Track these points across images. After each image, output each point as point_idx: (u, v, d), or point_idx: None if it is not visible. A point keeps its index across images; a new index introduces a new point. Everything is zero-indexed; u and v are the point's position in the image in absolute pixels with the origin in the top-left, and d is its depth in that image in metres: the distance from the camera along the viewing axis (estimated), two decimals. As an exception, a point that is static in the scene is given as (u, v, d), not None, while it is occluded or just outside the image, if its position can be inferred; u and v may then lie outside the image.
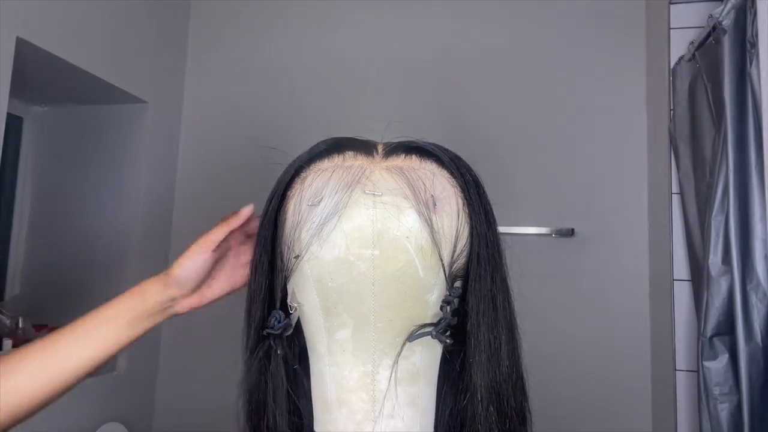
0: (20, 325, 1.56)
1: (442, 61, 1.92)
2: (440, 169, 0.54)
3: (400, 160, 0.54)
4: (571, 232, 1.74)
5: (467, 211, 0.53)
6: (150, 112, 1.93)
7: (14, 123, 1.92)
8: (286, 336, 0.54)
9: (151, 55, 1.94)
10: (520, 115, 1.84)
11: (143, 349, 1.92)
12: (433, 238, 0.50)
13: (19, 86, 1.59)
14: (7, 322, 1.54)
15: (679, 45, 1.54)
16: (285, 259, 0.53)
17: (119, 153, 1.92)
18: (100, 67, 1.69)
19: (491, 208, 0.55)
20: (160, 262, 1.99)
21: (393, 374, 0.51)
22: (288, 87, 2.04)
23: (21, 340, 1.53)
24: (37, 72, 1.64)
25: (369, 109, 1.93)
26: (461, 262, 0.53)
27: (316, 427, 0.53)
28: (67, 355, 0.60)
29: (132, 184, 1.90)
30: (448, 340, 0.51)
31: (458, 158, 0.56)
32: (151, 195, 1.94)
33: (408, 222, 0.50)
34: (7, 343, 1.48)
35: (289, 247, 0.52)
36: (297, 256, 0.51)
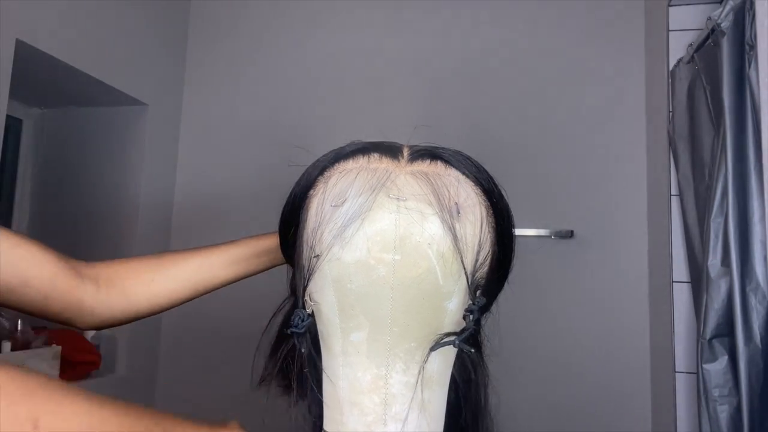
0: (19, 328, 1.55)
1: (438, 64, 1.93)
2: (465, 176, 0.54)
3: (426, 166, 0.53)
4: (570, 234, 1.74)
5: (490, 220, 0.53)
6: (149, 114, 1.93)
7: (14, 125, 1.92)
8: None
9: (150, 58, 1.94)
10: (519, 117, 1.85)
11: (143, 350, 1.92)
12: (455, 246, 0.50)
13: (19, 88, 1.59)
14: (6, 324, 1.54)
15: (678, 47, 1.54)
16: (305, 258, 0.53)
17: (119, 155, 1.92)
18: (100, 70, 1.69)
19: (512, 219, 0.56)
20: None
21: (407, 379, 0.51)
22: (287, 89, 2.04)
23: (20, 343, 1.53)
24: (36, 74, 1.64)
25: (367, 110, 1.93)
26: (483, 271, 0.53)
27: (326, 426, 0.53)
28: (213, 276, 0.69)
29: (131, 186, 1.90)
30: (471, 350, 0.51)
31: (482, 167, 0.56)
32: (151, 197, 1.93)
33: (431, 229, 0.49)
34: (6, 345, 1.47)
35: (309, 247, 0.52)
36: (317, 256, 0.51)
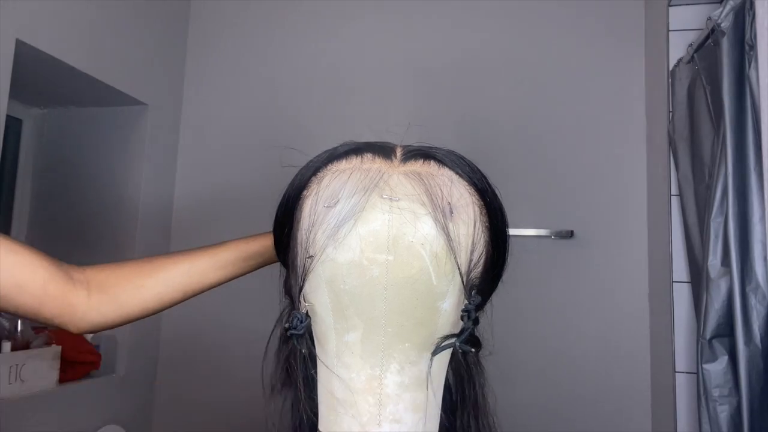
0: (19, 328, 1.56)
1: (434, 63, 1.92)
2: (458, 176, 0.54)
3: (419, 166, 0.53)
4: (570, 234, 1.73)
5: (484, 219, 0.53)
6: (149, 114, 1.93)
7: (14, 125, 1.92)
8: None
9: (150, 58, 1.94)
10: (519, 117, 1.84)
11: (142, 351, 1.92)
12: (449, 245, 0.50)
13: (19, 88, 1.59)
14: (6, 324, 1.54)
15: (678, 47, 1.54)
16: (299, 259, 0.53)
17: (118, 155, 1.92)
18: (100, 70, 1.69)
19: (506, 219, 0.56)
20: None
21: (402, 379, 0.51)
22: (288, 89, 2.04)
23: (20, 343, 1.53)
24: (36, 74, 1.64)
25: (368, 111, 1.93)
26: (477, 270, 0.53)
27: (321, 426, 0.53)
28: (202, 280, 0.71)
29: (131, 186, 1.90)
30: (471, 350, 0.51)
31: (476, 167, 0.56)
32: (151, 197, 1.94)
33: (424, 229, 0.49)
34: (6, 345, 1.48)
35: (303, 248, 0.53)
36: (311, 257, 0.51)
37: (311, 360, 0.54)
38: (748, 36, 1.10)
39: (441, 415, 0.54)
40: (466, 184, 0.54)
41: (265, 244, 0.73)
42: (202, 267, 0.71)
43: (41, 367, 1.54)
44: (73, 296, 0.63)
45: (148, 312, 0.69)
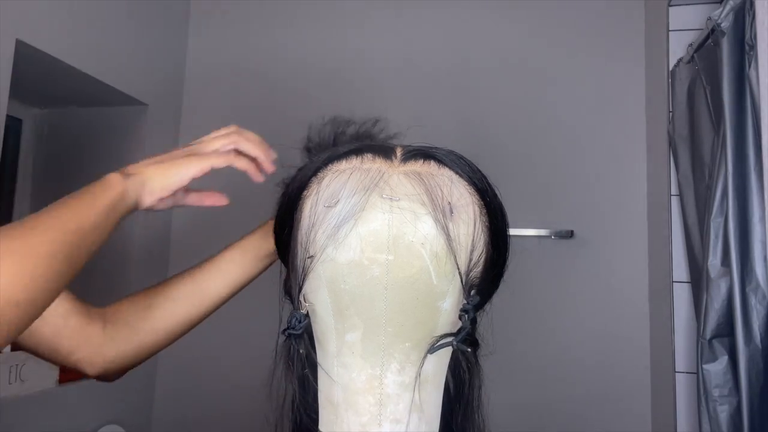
0: (19, 328, 1.55)
1: (435, 63, 1.92)
2: (458, 176, 0.54)
3: (419, 166, 0.53)
4: (570, 234, 1.74)
5: (484, 219, 0.53)
6: (149, 114, 1.93)
7: (14, 125, 1.91)
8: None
9: (150, 57, 1.94)
10: (519, 117, 1.84)
11: (142, 351, 1.91)
12: (449, 245, 0.50)
13: (19, 88, 1.59)
14: (6, 324, 1.54)
15: (678, 47, 1.54)
16: (299, 260, 0.53)
17: (119, 155, 1.91)
18: (100, 69, 1.69)
19: (506, 218, 0.56)
20: (160, 266, 1.99)
21: (402, 379, 0.51)
22: (289, 90, 2.04)
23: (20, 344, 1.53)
24: (36, 74, 1.63)
25: (368, 111, 1.93)
26: (477, 270, 0.53)
27: (321, 427, 0.53)
28: (209, 287, 0.72)
29: (131, 186, 1.89)
30: (469, 350, 0.52)
31: (475, 167, 0.56)
32: (151, 197, 1.93)
33: (424, 228, 0.50)
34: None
35: (303, 248, 0.53)
36: (311, 257, 0.52)
37: (309, 360, 0.54)
38: (748, 36, 1.10)
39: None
40: (466, 183, 0.54)
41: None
42: (207, 287, 0.74)
43: (41, 367, 1.54)
44: (90, 329, 0.66)
45: (160, 347, 0.74)
